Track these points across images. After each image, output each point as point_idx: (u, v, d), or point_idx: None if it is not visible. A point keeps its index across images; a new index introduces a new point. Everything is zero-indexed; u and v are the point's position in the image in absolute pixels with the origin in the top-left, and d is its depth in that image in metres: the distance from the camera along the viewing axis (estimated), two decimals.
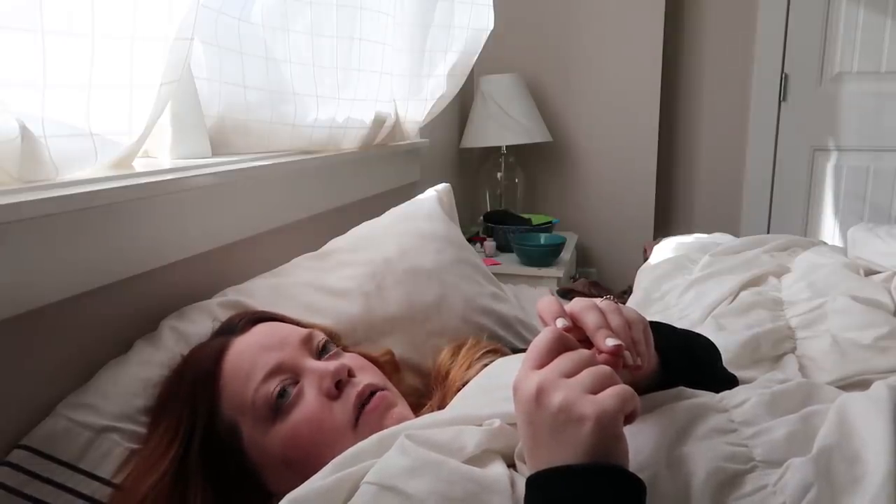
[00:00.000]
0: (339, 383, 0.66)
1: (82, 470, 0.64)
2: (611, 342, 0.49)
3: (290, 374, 0.67)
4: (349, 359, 0.72)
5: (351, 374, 0.68)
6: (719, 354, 0.71)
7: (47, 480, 0.62)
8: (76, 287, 0.69)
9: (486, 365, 0.76)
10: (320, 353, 0.71)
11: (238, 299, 0.87)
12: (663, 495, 0.47)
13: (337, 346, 0.74)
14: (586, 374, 0.44)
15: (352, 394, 0.66)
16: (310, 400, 0.65)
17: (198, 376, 0.68)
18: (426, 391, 0.83)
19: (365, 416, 0.65)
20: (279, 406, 0.64)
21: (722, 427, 0.52)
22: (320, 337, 0.73)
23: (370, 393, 0.67)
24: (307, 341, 0.71)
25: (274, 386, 0.65)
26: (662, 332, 0.60)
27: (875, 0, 2.39)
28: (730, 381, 0.69)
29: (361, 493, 0.50)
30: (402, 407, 0.70)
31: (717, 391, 0.58)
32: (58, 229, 0.65)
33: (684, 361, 0.61)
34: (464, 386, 0.73)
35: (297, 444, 0.64)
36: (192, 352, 0.73)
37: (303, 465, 0.60)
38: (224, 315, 0.82)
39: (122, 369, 0.72)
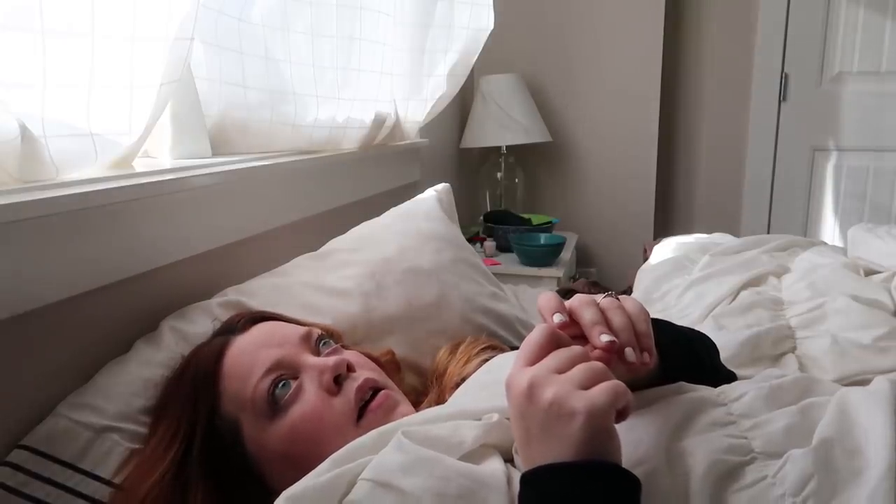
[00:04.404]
0: (339, 378, 0.67)
1: (83, 470, 0.64)
2: (605, 338, 0.49)
3: (290, 370, 0.67)
4: (349, 355, 0.72)
5: (350, 368, 0.69)
6: (717, 351, 0.71)
7: (47, 480, 0.62)
8: (76, 287, 0.69)
9: (484, 361, 0.76)
10: (319, 349, 0.71)
11: (238, 299, 0.87)
12: (663, 489, 0.47)
13: (336, 343, 0.74)
14: (578, 370, 0.45)
15: (351, 388, 0.66)
16: (310, 395, 0.65)
17: (198, 376, 0.68)
18: (424, 389, 0.83)
19: (369, 413, 0.65)
20: (277, 399, 0.64)
21: (721, 420, 0.52)
22: (319, 333, 0.73)
23: (371, 388, 0.67)
24: (306, 338, 0.71)
25: (271, 380, 0.65)
26: (661, 328, 0.60)
27: (875, 0, 2.39)
28: (728, 378, 0.68)
29: (357, 490, 0.50)
30: (405, 406, 0.70)
31: (716, 387, 0.58)
32: (58, 229, 0.65)
33: (683, 357, 0.61)
34: (461, 382, 0.73)
35: (297, 439, 0.64)
36: (192, 352, 0.73)
37: (304, 460, 0.60)
38: (224, 315, 0.82)
39: (123, 369, 0.72)
